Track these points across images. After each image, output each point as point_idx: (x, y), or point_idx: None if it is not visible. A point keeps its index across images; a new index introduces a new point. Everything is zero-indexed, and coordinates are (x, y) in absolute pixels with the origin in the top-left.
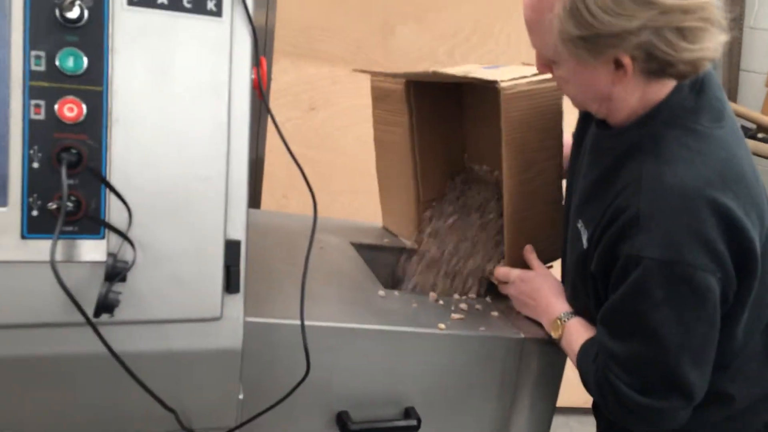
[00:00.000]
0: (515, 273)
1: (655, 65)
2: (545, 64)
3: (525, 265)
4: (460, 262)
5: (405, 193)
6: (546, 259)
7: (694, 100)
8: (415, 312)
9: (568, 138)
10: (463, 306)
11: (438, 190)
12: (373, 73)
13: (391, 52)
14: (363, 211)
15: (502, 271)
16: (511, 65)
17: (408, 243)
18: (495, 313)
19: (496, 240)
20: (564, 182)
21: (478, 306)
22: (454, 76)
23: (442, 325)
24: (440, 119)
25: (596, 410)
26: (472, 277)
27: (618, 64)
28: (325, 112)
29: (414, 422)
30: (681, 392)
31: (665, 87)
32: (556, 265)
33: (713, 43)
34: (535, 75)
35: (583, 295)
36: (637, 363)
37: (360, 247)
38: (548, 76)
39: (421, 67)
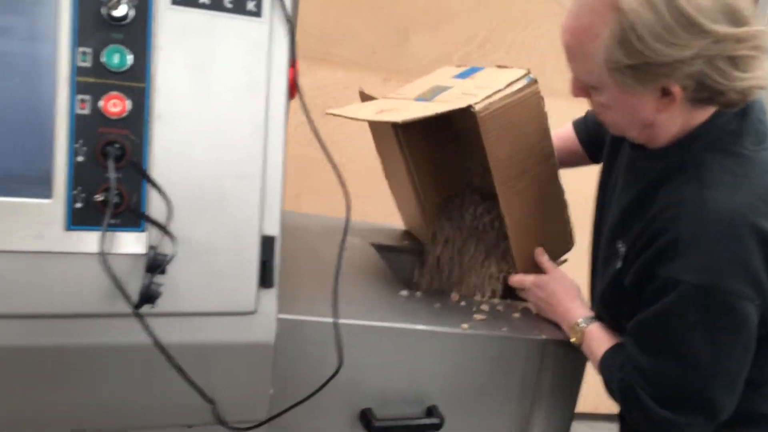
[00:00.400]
0: (529, 279)
1: (706, 94)
2: (582, 88)
3: (538, 269)
4: (475, 266)
5: (411, 204)
6: (558, 254)
7: (737, 122)
8: (437, 312)
9: (567, 130)
10: (484, 307)
11: (443, 198)
12: (345, 117)
13: (405, 58)
14: (373, 213)
15: (517, 279)
16: (485, 68)
17: (427, 246)
18: (516, 315)
19: (507, 242)
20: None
21: (499, 307)
22: (417, 118)
23: (465, 325)
24: (432, 132)
25: (622, 418)
26: (488, 280)
27: (665, 92)
28: (338, 117)
29: (437, 420)
30: (706, 412)
31: (708, 110)
32: (570, 257)
33: (764, 71)
34: (508, 85)
35: (613, 308)
36: (665, 379)
37: (379, 249)
38: (522, 83)
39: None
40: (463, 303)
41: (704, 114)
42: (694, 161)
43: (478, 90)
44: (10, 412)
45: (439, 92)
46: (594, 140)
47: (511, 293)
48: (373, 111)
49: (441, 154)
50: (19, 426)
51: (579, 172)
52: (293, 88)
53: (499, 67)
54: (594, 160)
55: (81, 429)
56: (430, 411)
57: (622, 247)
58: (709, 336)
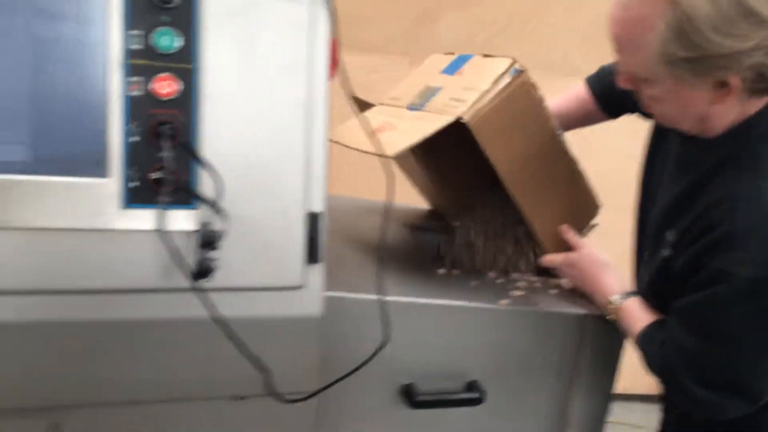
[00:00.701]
0: (559, 259)
1: (764, 85)
2: (630, 80)
3: (566, 246)
4: (507, 246)
5: (431, 190)
6: (585, 222)
7: None
8: (475, 289)
9: (579, 91)
10: (521, 284)
11: (464, 188)
12: (340, 144)
13: (428, 43)
14: (399, 194)
15: (548, 260)
16: (473, 58)
17: (456, 229)
18: (553, 291)
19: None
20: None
21: (536, 284)
22: (407, 147)
23: (503, 301)
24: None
25: (665, 399)
26: (522, 258)
27: (722, 84)
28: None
29: (477, 395)
30: (747, 395)
31: (763, 100)
32: (601, 242)
33: None
34: (494, 83)
35: (662, 294)
36: (707, 362)
37: (412, 228)
38: (508, 78)
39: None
40: (500, 280)
41: (759, 103)
42: (749, 151)
43: (465, 93)
44: (69, 384)
45: (429, 96)
46: (609, 93)
47: (546, 270)
48: (369, 130)
49: (450, 147)
50: (77, 396)
51: (608, 157)
52: (334, 64)
53: (485, 56)
54: (610, 115)
55: (136, 400)
56: (471, 386)
57: (671, 236)
58: (757, 325)
